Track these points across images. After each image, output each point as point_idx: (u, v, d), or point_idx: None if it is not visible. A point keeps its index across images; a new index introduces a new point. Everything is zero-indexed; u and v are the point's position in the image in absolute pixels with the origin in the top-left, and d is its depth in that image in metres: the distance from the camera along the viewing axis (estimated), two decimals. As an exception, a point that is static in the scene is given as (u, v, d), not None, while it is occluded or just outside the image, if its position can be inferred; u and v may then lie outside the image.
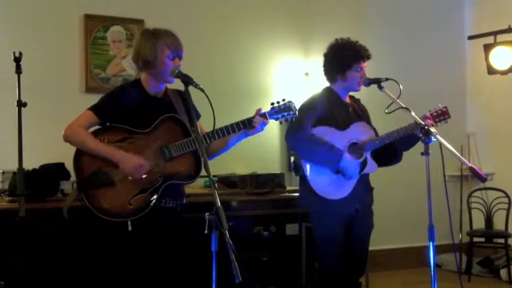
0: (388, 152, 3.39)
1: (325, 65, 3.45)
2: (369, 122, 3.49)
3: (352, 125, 3.34)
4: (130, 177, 2.66)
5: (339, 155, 3.18)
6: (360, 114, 3.46)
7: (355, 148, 3.31)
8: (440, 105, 3.40)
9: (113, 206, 2.63)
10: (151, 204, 2.66)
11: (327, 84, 3.47)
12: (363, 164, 3.33)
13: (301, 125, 3.14)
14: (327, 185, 3.24)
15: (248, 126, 2.78)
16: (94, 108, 2.75)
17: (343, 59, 3.33)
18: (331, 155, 3.17)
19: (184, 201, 2.90)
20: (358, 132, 3.33)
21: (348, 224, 3.33)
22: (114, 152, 2.66)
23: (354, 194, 3.29)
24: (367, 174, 3.42)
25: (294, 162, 3.41)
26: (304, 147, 3.22)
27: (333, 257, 3.31)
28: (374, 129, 3.47)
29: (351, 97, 3.51)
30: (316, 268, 3.65)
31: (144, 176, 2.67)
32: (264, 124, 2.80)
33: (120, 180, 2.66)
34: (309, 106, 3.31)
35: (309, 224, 3.59)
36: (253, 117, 2.79)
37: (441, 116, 3.36)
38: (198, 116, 2.91)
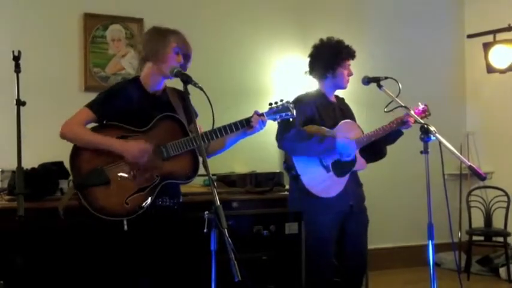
0: (373, 148, 3.44)
1: (313, 63, 3.47)
2: (353, 120, 3.53)
3: (340, 123, 3.39)
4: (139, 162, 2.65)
5: (332, 142, 3.23)
6: (345, 112, 3.50)
7: None
8: (420, 103, 3.46)
9: (109, 205, 2.62)
10: (146, 205, 2.65)
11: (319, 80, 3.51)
12: (352, 162, 3.36)
13: (290, 124, 3.15)
14: (320, 183, 3.27)
15: (246, 125, 2.78)
16: (90, 105, 2.75)
17: (335, 55, 3.39)
18: (325, 143, 3.21)
19: (181, 200, 2.90)
20: (345, 130, 3.38)
21: (343, 221, 3.35)
22: (113, 142, 2.66)
23: (346, 191, 3.34)
24: (356, 172, 3.45)
25: (285, 162, 3.42)
26: (297, 145, 3.23)
27: (324, 258, 3.33)
28: (358, 126, 3.51)
29: (336, 96, 3.55)
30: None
31: (146, 158, 2.65)
32: (263, 123, 2.81)
33: (117, 179, 2.65)
34: (298, 105, 3.31)
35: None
36: (251, 116, 2.79)
37: (422, 113, 3.40)
38: (196, 115, 2.90)
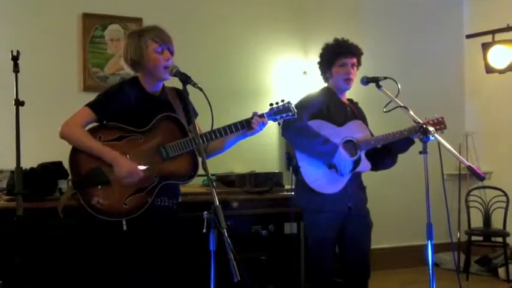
0: (384, 154, 3.41)
1: (318, 67, 3.49)
2: (365, 123, 3.50)
3: (348, 123, 3.36)
4: (123, 182, 2.64)
5: (334, 149, 3.19)
6: (356, 115, 3.47)
7: (350, 145, 3.32)
8: (437, 115, 3.38)
9: (108, 205, 2.61)
10: (146, 205, 2.64)
11: (325, 83, 3.52)
12: (356, 163, 3.33)
13: (298, 117, 3.14)
14: (320, 178, 3.24)
15: (247, 127, 2.77)
16: (91, 105, 2.73)
17: (328, 56, 3.40)
18: (326, 147, 3.18)
19: (180, 200, 2.89)
20: (353, 130, 3.34)
21: (343, 224, 3.33)
22: (110, 153, 2.63)
23: (346, 191, 3.29)
24: (360, 173, 3.43)
25: (287, 153, 3.40)
26: (299, 138, 3.21)
27: (323, 257, 3.31)
28: (369, 131, 3.48)
29: (349, 99, 3.53)
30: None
31: (137, 179, 2.63)
32: (264, 124, 2.80)
33: (116, 179, 2.64)
34: (305, 102, 3.34)
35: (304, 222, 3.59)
36: (251, 118, 2.78)
37: (437, 125, 3.32)
38: (196, 114, 2.87)
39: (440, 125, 3.35)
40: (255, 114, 2.81)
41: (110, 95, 2.78)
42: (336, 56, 3.37)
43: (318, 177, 3.24)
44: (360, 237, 3.39)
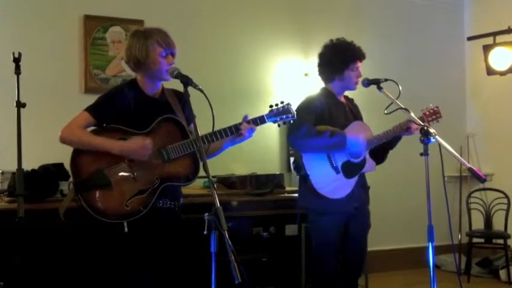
0: (378, 151, 3.43)
1: (321, 65, 3.47)
2: (362, 121, 3.52)
3: (351, 124, 3.36)
4: (135, 169, 2.64)
5: (343, 137, 3.21)
6: (354, 113, 3.50)
7: None
8: (431, 104, 3.42)
9: (110, 207, 2.61)
10: (148, 207, 2.64)
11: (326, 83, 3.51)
12: (362, 164, 3.34)
13: (301, 123, 3.14)
14: (328, 184, 3.25)
15: (236, 132, 2.77)
16: (90, 109, 2.74)
17: (341, 58, 3.36)
18: (336, 138, 3.20)
19: (182, 201, 2.90)
20: (357, 130, 3.35)
21: (346, 223, 3.34)
22: (115, 143, 2.65)
23: (353, 193, 3.31)
24: (364, 173, 3.43)
25: (295, 161, 3.41)
26: (308, 142, 3.21)
27: (329, 259, 3.32)
28: (369, 128, 3.50)
29: (345, 97, 3.54)
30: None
31: (149, 152, 2.65)
32: (252, 131, 2.79)
33: (118, 181, 2.64)
34: (307, 106, 3.34)
35: (308, 225, 3.59)
36: (241, 123, 2.78)
37: (433, 115, 3.39)
38: (193, 116, 2.88)
39: (436, 114, 3.42)
40: (245, 119, 2.80)
41: (108, 98, 2.79)
42: (353, 60, 3.35)
43: (327, 183, 3.26)
44: (360, 237, 3.42)
